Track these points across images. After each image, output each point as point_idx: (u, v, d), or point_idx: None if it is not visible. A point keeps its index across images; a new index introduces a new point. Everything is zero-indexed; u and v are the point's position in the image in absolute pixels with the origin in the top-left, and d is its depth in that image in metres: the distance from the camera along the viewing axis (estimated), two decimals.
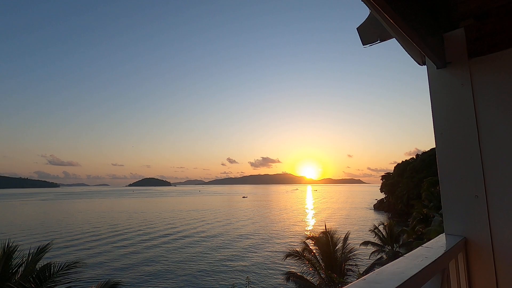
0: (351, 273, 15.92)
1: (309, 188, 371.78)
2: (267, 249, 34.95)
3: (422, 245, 1.45)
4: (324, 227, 17.32)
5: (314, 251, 16.13)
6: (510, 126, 1.59)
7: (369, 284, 0.92)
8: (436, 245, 1.49)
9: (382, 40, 1.95)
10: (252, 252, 33.57)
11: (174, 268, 27.75)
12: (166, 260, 30.31)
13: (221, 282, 23.84)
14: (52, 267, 7.49)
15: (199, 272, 26.49)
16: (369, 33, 1.97)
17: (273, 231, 47.31)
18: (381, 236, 23.93)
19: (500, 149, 1.61)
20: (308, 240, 16.97)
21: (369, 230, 25.31)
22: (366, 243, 23.34)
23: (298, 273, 15.52)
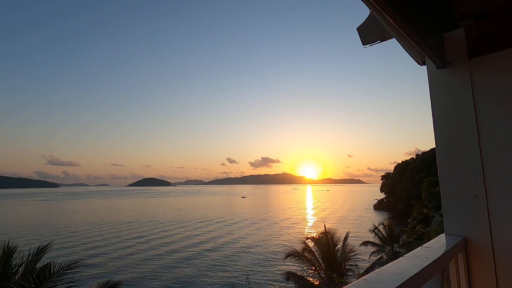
0: (351, 273, 15.93)
1: (309, 188, 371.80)
2: (267, 249, 34.96)
3: (422, 245, 1.45)
4: (323, 227, 17.33)
5: (314, 251, 16.15)
6: (510, 126, 1.59)
7: (369, 284, 0.92)
8: (436, 245, 1.49)
9: (382, 40, 1.95)
10: (252, 252, 33.58)
11: (174, 268, 27.75)
12: (166, 260, 30.31)
13: (221, 282, 23.84)
14: (52, 267, 7.49)
15: (199, 272, 26.49)
16: (369, 33, 1.97)
17: (273, 231, 47.33)
18: (381, 236, 23.94)
19: (500, 149, 1.61)
20: (308, 240, 16.99)
21: (369, 230, 25.31)
22: (366, 243, 23.34)
23: (298, 273, 15.54)
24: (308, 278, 15.34)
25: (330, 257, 15.66)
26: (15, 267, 7.42)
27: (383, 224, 25.70)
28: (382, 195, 73.97)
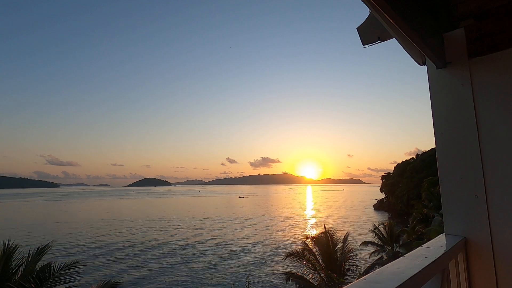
0: (351, 273, 15.92)
1: (309, 188, 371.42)
2: (267, 249, 34.95)
3: (422, 245, 1.45)
4: (323, 227, 17.32)
5: (314, 251, 16.14)
6: (510, 126, 1.59)
7: (369, 284, 0.92)
8: (436, 245, 1.49)
9: (382, 40, 1.95)
10: (252, 252, 33.58)
11: (174, 268, 27.75)
12: (166, 260, 30.30)
13: (221, 282, 23.84)
14: (52, 267, 7.49)
15: (198, 272, 26.49)
16: (369, 33, 1.97)
17: (273, 231, 47.32)
18: (381, 236, 23.93)
19: (500, 149, 1.61)
20: (308, 240, 16.98)
21: (369, 230, 25.31)
22: (366, 243, 23.34)
23: (298, 273, 15.54)
24: (308, 278, 15.34)
25: (330, 257, 15.66)
26: (15, 267, 7.43)
27: (383, 224, 25.70)
28: (382, 195, 73.93)
